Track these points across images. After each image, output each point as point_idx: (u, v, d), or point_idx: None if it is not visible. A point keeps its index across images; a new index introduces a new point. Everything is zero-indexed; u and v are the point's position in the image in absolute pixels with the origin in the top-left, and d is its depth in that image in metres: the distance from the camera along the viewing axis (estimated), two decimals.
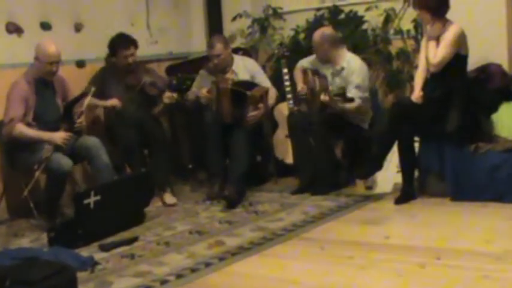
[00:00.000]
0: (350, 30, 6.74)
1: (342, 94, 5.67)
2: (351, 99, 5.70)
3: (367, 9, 6.79)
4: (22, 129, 5.47)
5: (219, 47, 6.33)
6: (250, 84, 6.34)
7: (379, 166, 5.64)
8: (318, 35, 6.13)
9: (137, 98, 6.30)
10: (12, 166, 5.74)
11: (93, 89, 5.84)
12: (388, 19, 6.74)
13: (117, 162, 6.15)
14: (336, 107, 5.80)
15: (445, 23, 5.37)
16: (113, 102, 6.23)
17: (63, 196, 5.67)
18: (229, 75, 6.39)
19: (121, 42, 6.30)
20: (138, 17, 7.26)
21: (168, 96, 6.32)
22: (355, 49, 6.44)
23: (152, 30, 7.38)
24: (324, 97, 5.75)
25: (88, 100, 5.69)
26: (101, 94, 6.19)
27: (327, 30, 6.17)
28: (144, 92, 6.35)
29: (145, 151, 6.45)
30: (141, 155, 6.38)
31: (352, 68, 5.99)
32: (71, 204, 5.30)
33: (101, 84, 6.24)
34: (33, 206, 5.65)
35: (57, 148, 5.43)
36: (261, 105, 6.26)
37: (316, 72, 6.08)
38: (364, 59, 6.26)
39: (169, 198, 6.14)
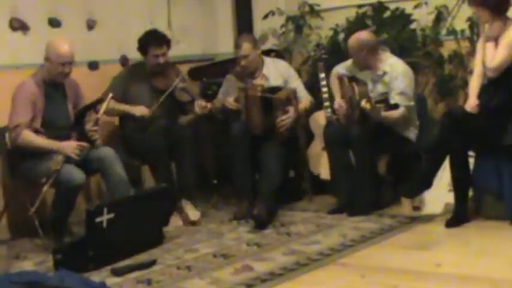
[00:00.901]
0: (396, 30, 6.72)
1: (385, 100, 5.61)
2: (396, 106, 5.64)
3: (416, 7, 6.75)
4: (29, 137, 5.47)
5: (246, 46, 6.32)
6: (281, 90, 6.30)
7: (428, 184, 5.61)
8: (353, 41, 6.06)
9: (165, 103, 6.19)
10: (13, 174, 5.72)
11: (110, 94, 5.82)
12: (439, 18, 6.73)
13: (134, 175, 6.12)
14: (379, 116, 5.72)
15: (506, 21, 5.34)
16: (142, 110, 6.16)
17: (72, 213, 5.64)
18: (259, 80, 6.38)
19: (153, 39, 6.28)
20: (158, 14, 7.27)
21: (201, 106, 6.21)
22: (401, 51, 6.41)
23: (174, 29, 7.36)
24: (365, 104, 5.67)
25: (105, 107, 5.68)
26: (123, 98, 6.20)
27: (363, 35, 6.09)
28: (174, 97, 6.29)
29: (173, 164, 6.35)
30: (168, 167, 6.27)
31: (395, 72, 5.94)
32: (81, 222, 5.26)
33: (124, 87, 6.25)
34: (39, 224, 5.63)
35: (68, 159, 5.40)
36: (290, 107, 6.20)
37: (353, 79, 6.04)
38: (411, 63, 6.23)
39: (192, 213, 6.07)
